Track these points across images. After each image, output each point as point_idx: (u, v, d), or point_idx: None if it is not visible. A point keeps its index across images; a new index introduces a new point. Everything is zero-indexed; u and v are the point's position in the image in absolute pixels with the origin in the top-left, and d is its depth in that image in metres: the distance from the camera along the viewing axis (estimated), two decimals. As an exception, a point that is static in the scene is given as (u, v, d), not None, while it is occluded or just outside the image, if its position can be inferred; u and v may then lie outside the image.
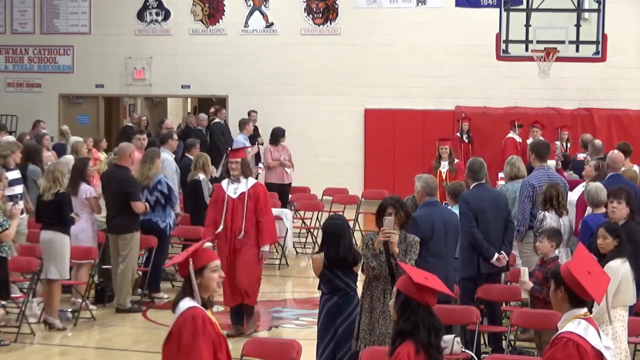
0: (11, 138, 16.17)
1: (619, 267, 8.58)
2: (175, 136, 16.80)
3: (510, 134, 20.75)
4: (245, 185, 11.63)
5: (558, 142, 19.11)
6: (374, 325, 8.29)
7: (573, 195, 11.68)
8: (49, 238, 11.95)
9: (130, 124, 23.35)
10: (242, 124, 19.91)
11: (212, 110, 22.47)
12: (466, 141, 21.83)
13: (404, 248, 8.33)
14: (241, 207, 11.50)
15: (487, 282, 10.45)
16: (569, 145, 19.69)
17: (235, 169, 11.65)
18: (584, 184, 12.07)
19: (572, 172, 15.45)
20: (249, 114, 22.12)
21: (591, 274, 5.27)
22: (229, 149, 14.88)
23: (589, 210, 10.64)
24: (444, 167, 16.33)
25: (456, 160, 16.60)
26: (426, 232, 9.20)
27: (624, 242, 8.74)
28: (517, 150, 19.20)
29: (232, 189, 11.62)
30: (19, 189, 13.13)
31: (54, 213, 11.92)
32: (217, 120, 21.64)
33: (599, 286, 5.34)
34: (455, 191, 11.29)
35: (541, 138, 17.16)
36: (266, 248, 11.72)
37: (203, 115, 22.60)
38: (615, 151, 12.59)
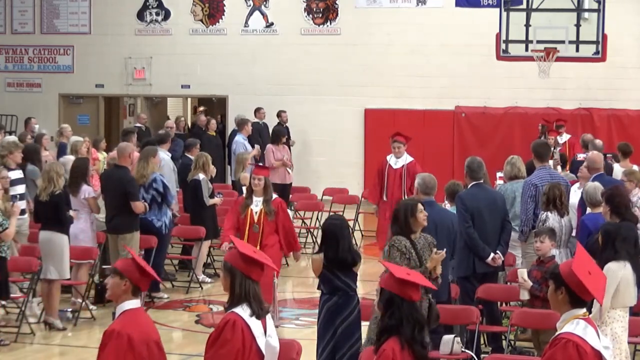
0: (12, 138, 16.15)
1: (618, 269, 8.58)
2: (173, 136, 16.78)
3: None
4: None
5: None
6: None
7: (573, 198, 11.65)
8: (47, 238, 11.95)
9: (138, 125, 22.95)
10: (241, 124, 19.74)
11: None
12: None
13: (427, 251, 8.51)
14: None
15: (482, 282, 10.47)
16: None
17: None
18: (578, 184, 12.07)
19: (568, 172, 15.44)
20: (278, 114, 21.85)
21: (591, 274, 5.28)
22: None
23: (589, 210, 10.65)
24: (257, 205, 11.42)
25: (274, 197, 11.59)
26: None
27: (616, 244, 8.69)
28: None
29: None
30: (20, 189, 13.13)
31: (50, 213, 11.92)
32: (256, 120, 21.36)
33: (600, 286, 5.35)
34: (452, 191, 11.28)
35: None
36: None
37: (242, 114, 21.91)
38: (595, 152, 12.69)
